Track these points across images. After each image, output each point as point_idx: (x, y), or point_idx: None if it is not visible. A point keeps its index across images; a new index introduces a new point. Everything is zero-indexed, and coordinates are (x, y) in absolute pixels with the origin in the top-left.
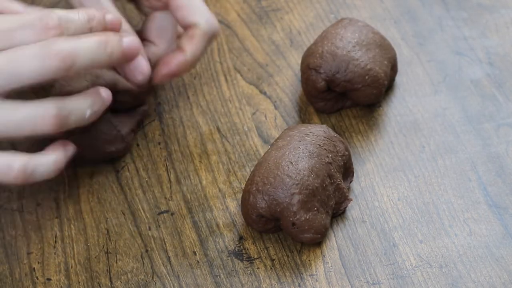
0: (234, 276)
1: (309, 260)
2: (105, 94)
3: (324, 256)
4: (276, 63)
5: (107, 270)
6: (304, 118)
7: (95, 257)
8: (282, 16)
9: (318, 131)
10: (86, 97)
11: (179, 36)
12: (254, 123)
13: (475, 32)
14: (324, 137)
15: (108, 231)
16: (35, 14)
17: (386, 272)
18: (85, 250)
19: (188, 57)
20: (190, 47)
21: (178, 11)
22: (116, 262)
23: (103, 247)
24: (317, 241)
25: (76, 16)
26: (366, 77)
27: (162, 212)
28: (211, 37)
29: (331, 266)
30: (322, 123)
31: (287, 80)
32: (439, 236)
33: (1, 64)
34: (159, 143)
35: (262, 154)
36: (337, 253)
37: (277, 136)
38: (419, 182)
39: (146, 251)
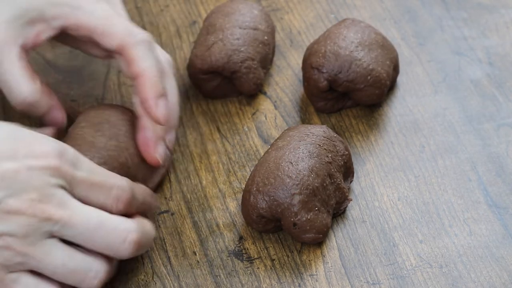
0: (234, 276)
1: (309, 260)
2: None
3: (324, 256)
4: (276, 63)
5: None
6: (304, 118)
7: None
8: (282, 16)
9: (318, 131)
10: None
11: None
12: (254, 123)
13: (475, 32)
14: (324, 137)
15: None
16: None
17: (386, 272)
18: None
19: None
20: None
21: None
22: None
23: None
24: (319, 241)
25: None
26: (368, 77)
27: (162, 212)
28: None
29: (331, 266)
30: (322, 123)
31: (287, 80)
32: (439, 236)
33: None
34: None
35: (262, 154)
36: (337, 253)
37: (277, 136)
38: (419, 182)
39: (146, 251)
